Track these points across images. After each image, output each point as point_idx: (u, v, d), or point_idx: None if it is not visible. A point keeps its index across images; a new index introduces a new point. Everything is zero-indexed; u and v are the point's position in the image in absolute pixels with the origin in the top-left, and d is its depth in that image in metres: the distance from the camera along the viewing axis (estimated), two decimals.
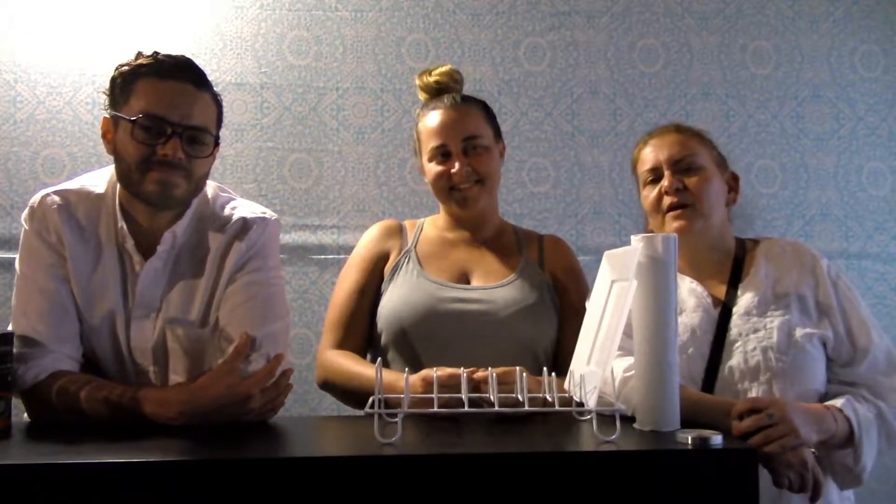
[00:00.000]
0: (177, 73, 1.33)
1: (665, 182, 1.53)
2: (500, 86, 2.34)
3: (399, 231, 1.68)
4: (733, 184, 1.60)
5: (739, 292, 1.49)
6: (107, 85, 1.38)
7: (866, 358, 1.43)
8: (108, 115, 1.37)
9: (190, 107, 1.33)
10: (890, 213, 2.41)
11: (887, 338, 1.47)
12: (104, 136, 1.38)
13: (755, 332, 1.44)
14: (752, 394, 1.39)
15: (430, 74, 1.66)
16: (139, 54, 1.37)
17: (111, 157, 1.39)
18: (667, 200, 1.52)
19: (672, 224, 1.51)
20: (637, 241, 1.22)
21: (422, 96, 1.68)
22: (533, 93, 2.36)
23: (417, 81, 1.68)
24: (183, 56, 1.37)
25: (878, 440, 1.36)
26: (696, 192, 1.51)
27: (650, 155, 1.57)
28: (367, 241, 1.68)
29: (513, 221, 1.80)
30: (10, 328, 1.31)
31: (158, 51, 1.36)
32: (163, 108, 1.31)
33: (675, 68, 2.39)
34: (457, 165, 1.57)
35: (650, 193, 1.56)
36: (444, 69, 1.66)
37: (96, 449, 1.08)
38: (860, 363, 1.43)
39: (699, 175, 1.53)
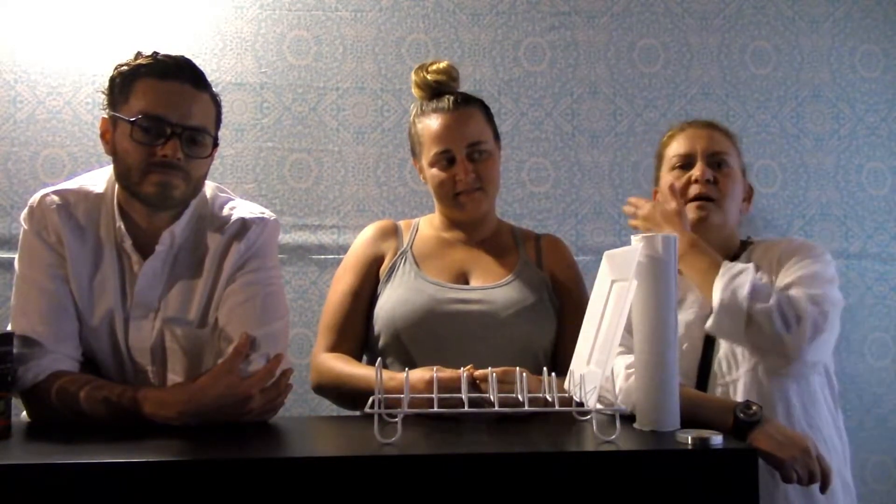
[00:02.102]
0: (176, 73, 1.33)
1: (697, 171, 1.55)
2: (500, 86, 2.34)
3: (394, 231, 1.67)
4: (748, 194, 1.64)
5: None
6: (106, 85, 1.38)
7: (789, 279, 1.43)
8: (106, 116, 1.37)
9: (189, 107, 1.33)
10: (890, 213, 2.41)
11: (820, 299, 1.41)
12: (103, 136, 1.38)
13: None
14: (741, 382, 1.42)
15: (426, 71, 1.62)
16: (138, 54, 1.36)
17: (110, 157, 1.39)
18: (694, 189, 1.55)
19: (692, 214, 1.54)
20: (637, 241, 1.22)
21: (416, 93, 1.64)
22: (533, 93, 2.36)
23: (413, 77, 1.63)
24: (182, 56, 1.37)
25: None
26: (724, 189, 1.55)
27: (685, 142, 1.59)
28: (361, 243, 1.66)
29: (513, 221, 1.79)
30: (9, 328, 1.31)
31: (158, 51, 1.36)
32: (162, 109, 1.31)
33: (675, 68, 2.39)
34: (462, 173, 1.56)
35: (676, 179, 1.57)
36: (441, 66, 1.62)
37: (96, 449, 1.08)
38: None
39: (728, 174, 1.56)
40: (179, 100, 1.32)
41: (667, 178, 1.60)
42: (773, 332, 1.33)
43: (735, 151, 1.61)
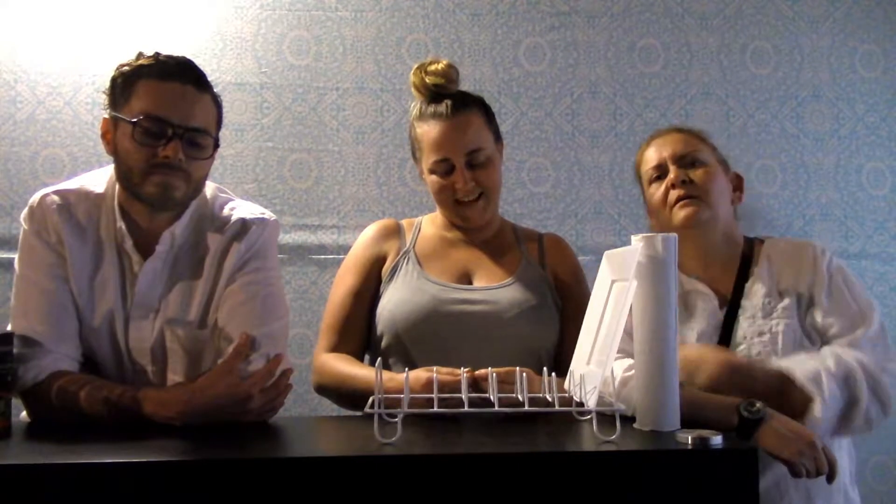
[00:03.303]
0: (178, 74, 1.33)
1: (671, 175, 1.54)
2: (500, 86, 2.34)
3: (397, 231, 1.67)
4: (737, 182, 1.62)
5: (744, 293, 1.49)
6: (107, 85, 1.38)
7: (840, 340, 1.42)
8: (108, 116, 1.37)
9: (191, 108, 1.33)
10: (890, 213, 2.41)
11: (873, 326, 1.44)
12: (104, 136, 1.38)
13: (760, 336, 1.44)
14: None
15: (425, 73, 1.58)
16: (140, 55, 1.36)
17: (111, 157, 1.39)
18: (673, 194, 1.53)
19: (679, 214, 1.51)
20: (637, 241, 1.21)
21: (415, 93, 1.62)
22: (533, 93, 2.36)
23: (412, 77, 1.60)
24: (184, 57, 1.37)
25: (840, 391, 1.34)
26: (702, 184, 1.53)
27: (654, 153, 1.58)
28: (363, 243, 1.66)
29: (513, 222, 1.79)
30: (9, 328, 1.31)
31: (159, 51, 1.36)
32: (164, 110, 1.31)
33: (675, 68, 2.39)
34: (461, 182, 1.55)
35: (656, 191, 1.56)
36: (439, 68, 1.58)
37: (96, 449, 1.09)
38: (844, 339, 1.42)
39: (704, 169, 1.55)
40: (181, 101, 1.32)
41: (649, 193, 1.59)
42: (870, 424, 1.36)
43: (706, 147, 1.59)
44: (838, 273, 1.49)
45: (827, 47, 2.42)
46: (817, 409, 1.30)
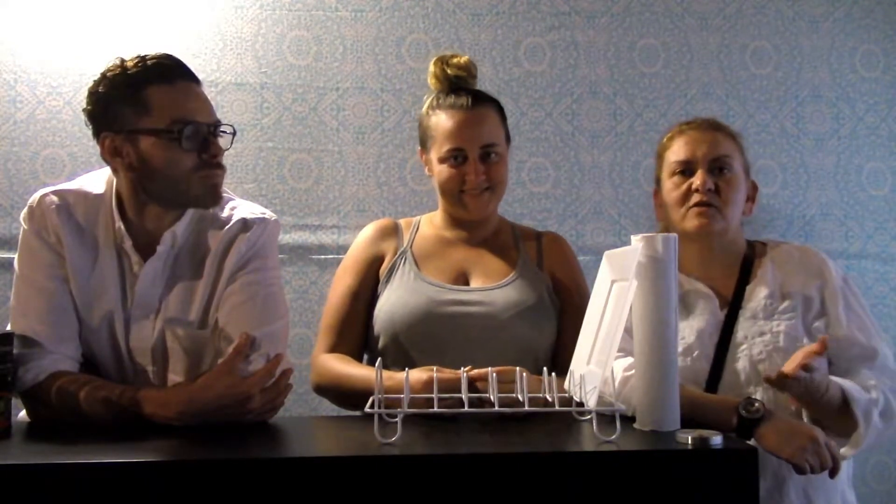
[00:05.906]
0: (181, 73, 1.34)
1: (698, 180, 1.51)
2: (500, 86, 2.34)
3: (394, 231, 1.67)
4: (752, 193, 1.60)
5: (746, 294, 1.49)
6: (96, 104, 1.34)
7: (865, 362, 1.43)
8: (111, 135, 1.32)
9: (207, 104, 1.36)
10: (890, 213, 2.41)
11: (887, 344, 1.47)
12: (115, 154, 1.33)
13: (761, 336, 1.44)
14: (757, 396, 1.39)
15: (447, 65, 1.60)
16: (120, 64, 1.32)
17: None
18: (695, 197, 1.51)
19: (694, 220, 1.50)
20: (637, 241, 1.22)
21: (433, 84, 1.63)
22: (533, 93, 2.36)
23: (432, 68, 1.62)
24: (165, 54, 1.36)
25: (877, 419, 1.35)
26: (725, 196, 1.51)
27: (686, 147, 1.55)
28: (361, 243, 1.66)
29: (512, 221, 1.79)
30: (9, 328, 1.31)
31: (138, 55, 1.33)
32: (191, 112, 1.32)
33: (675, 68, 2.39)
34: (473, 174, 1.56)
35: (675, 186, 1.54)
36: (462, 61, 1.61)
37: (96, 449, 1.09)
38: (859, 367, 1.42)
39: (730, 180, 1.52)
40: (198, 99, 1.34)
41: (668, 185, 1.57)
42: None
43: (738, 152, 1.57)
44: (845, 282, 1.51)
45: (827, 47, 2.42)
46: (859, 441, 1.33)
